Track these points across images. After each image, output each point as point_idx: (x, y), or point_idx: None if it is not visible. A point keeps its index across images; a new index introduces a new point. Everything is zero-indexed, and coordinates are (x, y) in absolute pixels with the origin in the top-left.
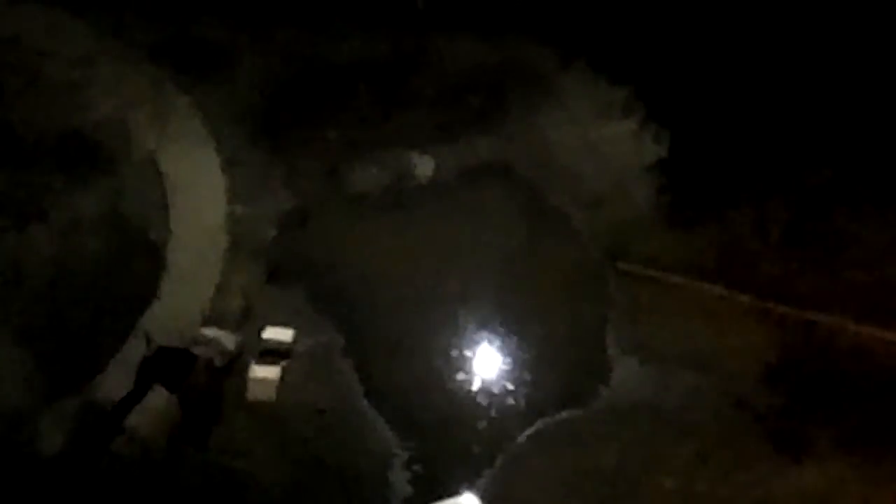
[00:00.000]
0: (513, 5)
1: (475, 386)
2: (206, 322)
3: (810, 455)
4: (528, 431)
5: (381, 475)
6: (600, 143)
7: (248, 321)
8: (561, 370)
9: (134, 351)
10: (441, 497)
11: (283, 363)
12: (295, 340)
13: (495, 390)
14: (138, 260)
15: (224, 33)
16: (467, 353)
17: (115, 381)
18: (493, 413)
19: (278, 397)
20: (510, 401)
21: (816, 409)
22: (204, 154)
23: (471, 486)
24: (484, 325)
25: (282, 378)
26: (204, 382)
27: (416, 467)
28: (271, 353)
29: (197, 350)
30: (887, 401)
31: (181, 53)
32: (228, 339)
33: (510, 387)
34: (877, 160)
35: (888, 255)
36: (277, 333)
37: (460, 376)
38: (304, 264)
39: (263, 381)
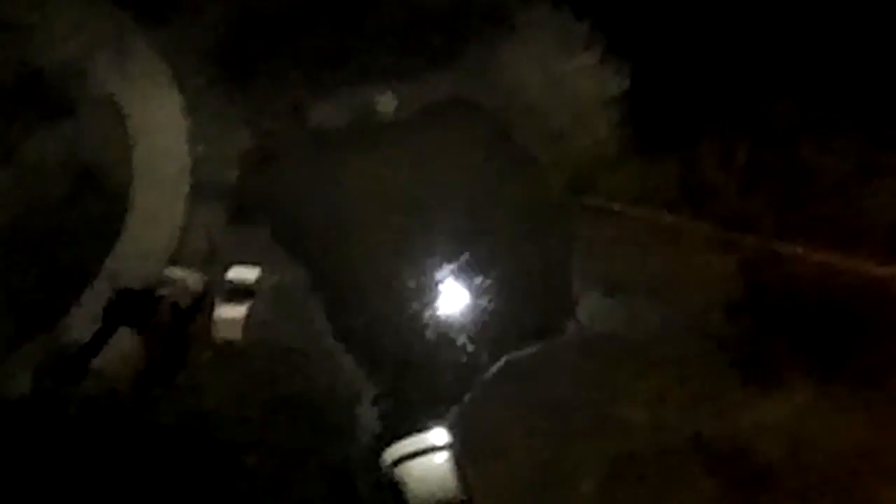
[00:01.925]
0: None
1: (442, 321)
2: (171, 263)
3: (777, 385)
4: (496, 366)
5: (350, 412)
6: (562, 77)
7: (213, 261)
8: (527, 305)
9: (99, 293)
10: (410, 432)
11: (249, 302)
12: (260, 279)
13: (462, 326)
14: (102, 202)
15: None
16: (433, 289)
17: (80, 324)
18: (460, 348)
19: (244, 336)
20: (477, 336)
21: (782, 339)
22: (165, 95)
23: (439, 421)
24: (450, 260)
25: (248, 317)
26: (169, 323)
27: (384, 403)
28: (237, 293)
29: (162, 291)
30: (852, 329)
31: None
32: (193, 280)
33: (476, 322)
34: (840, 89)
35: (852, 183)
36: (243, 272)
37: (427, 312)
38: (267, 203)
39: (229, 321)
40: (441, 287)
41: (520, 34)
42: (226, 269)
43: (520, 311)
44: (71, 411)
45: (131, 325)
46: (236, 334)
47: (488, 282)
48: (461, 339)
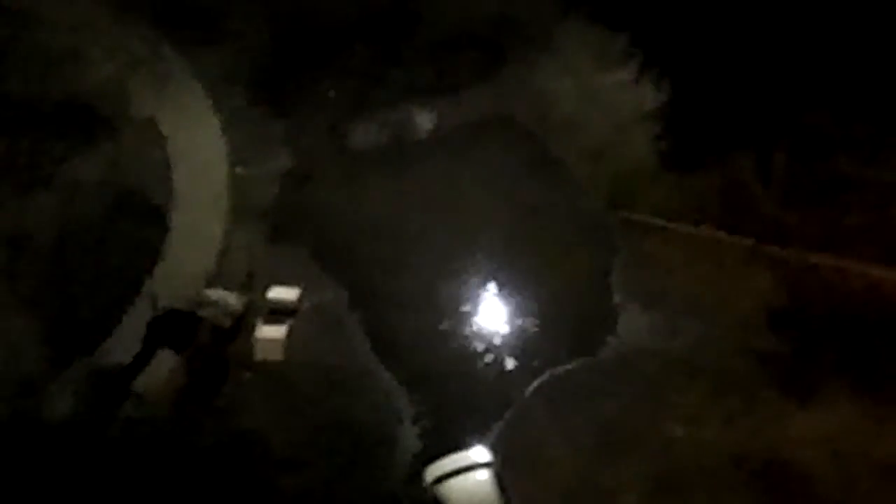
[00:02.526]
0: None
1: (482, 339)
2: (211, 283)
3: (817, 398)
4: (537, 383)
5: (391, 430)
6: (600, 91)
7: (253, 281)
8: (568, 320)
9: (140, 314)
10: (451, 450)
11: (290, 322)
12: (300, 299)
13: (502, 343)
14: (142, 223)
15: None
16: (473, 307)
17: (122, 345)
18: (501, 365)
19: (286, 356)
20: (518, 353)
21: (822, 353)
22: (203, 116)
23: (481, 439)
24: (490, 278)
25: (288, 337)
26: (210, 344)
27: (425, 422)
28: (277, 313)
29: (202, 312)
30: (893, 342)
31: (178, 16)
32: (234, 300)
33: (516, 340)
34: (878, 102)
35: (889, 195)
36: (283, 293)
37: (467, 330)
38: (307, 222)
39: (270, 341)
40: (480, 304)
41: (558, 50)
42: (266, 289)
43: (560, 326)
44: (112, 433)
45: (172, 347)
46: (277, 354)
47: (528, 298)
48: (501, 356)
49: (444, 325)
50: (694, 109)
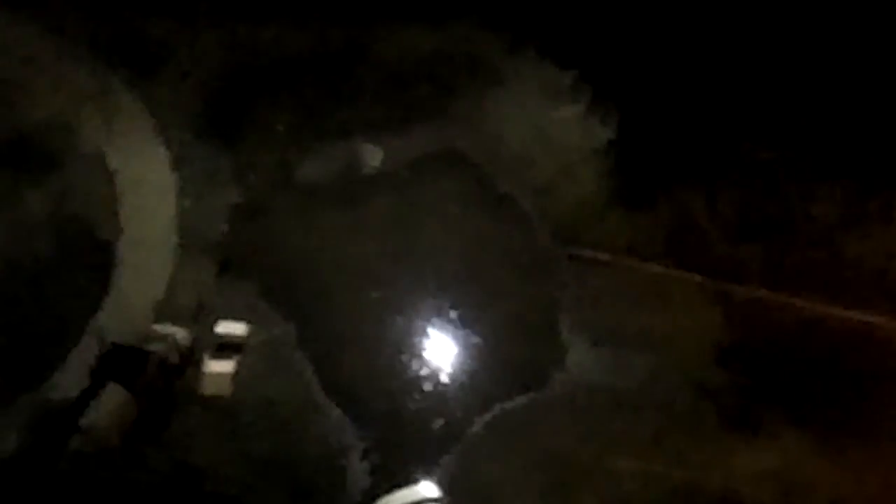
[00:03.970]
0: None
1: (431, 374)
2: (159, 318)
3: (765, 434)
4: (485, 418)
5: (339, 466)
6: (549, 127)
7: (201, 316)
8: (515, 356)
9: (87, 350)
10: (400, 485)
11: (238, 357)
12: (249, 334)
13: (451, 378)
14: (89, 258)
15: (168, 28)
16: (421, 342)
17: (68, 381)
18: (449, 401)
19: (233, 391)
20: (466, 388)
21: (770, 388)
22: (152, 150)
23: (429, 474)
24: (437, 313)
25: (236, 372)
26: (158, 379)
27: (373, 457)
28: (225, 348)
29: (150, 347)
30: (840, 377)
31: (125, 49)
32: (182, 335)
33: (465, 374)
34: (825, 137)
35: (839, 231)
36: (231, 327)
37: (415, 366)
38: (255, 258)
39: (218, 376)
40: (429, 340)
41: (506, 85)
42: (214, 324)
43: (508, 362)
44: (60, 468)
45: (120, 381)
46: (225, 389)
47: (476, 334)
48: (450, 392)
49: (393, 361)
50: (643, 145)
